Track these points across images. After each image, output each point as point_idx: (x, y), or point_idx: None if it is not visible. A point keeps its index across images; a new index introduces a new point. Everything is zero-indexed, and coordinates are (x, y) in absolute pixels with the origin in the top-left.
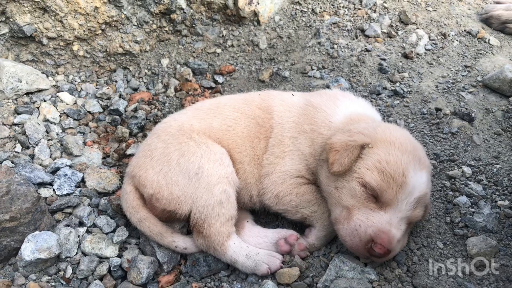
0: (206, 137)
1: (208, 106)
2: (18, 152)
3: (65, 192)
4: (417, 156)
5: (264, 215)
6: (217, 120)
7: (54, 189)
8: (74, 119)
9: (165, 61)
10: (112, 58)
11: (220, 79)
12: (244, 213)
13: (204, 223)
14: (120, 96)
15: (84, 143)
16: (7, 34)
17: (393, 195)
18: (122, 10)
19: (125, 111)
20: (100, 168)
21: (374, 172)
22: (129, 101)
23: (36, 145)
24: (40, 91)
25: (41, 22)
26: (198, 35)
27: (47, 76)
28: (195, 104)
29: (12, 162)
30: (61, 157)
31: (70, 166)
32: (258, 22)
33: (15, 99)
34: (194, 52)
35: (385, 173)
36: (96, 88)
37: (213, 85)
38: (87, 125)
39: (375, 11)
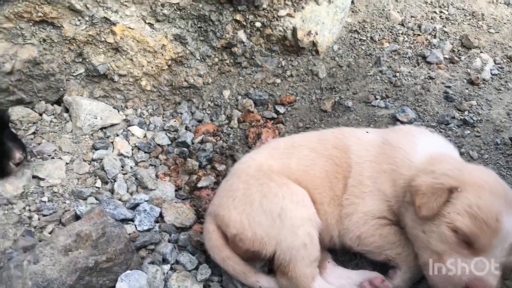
0: (286, 177)
1: (284, 145)
2: (98, 187)
3: (145, 228)
4: (509, 199)
5: (342, 253)
6: (294, 160)
7: (135, 225)
8: (145, 152)
9: (226, 93)
10: (177, 92)
11: (281, 109)
12: (324, 253)
13: (289, 265)
14: (186, 128)
15: (157, 176)
16: (83, 74)
17: (487, 241)
18: (187, 46)
19: (192, 143)
20: (176, 202)
21: (466, 217)
22: (195, 133)
23: (114, 180)
24: (112, 125)
25: (113, 61)
26: (257, 66)
27: (118, 111)
28: (270, 143)
29: (96, 199)
30: (137, 191)
31: (148, 201)
32: (317, 51)
33: (91, 134)
34: (254, 83)
35: (478, 218)
36: (163, 121)
37: (275, 115)
38: (157, 157)
39: (435, 37)
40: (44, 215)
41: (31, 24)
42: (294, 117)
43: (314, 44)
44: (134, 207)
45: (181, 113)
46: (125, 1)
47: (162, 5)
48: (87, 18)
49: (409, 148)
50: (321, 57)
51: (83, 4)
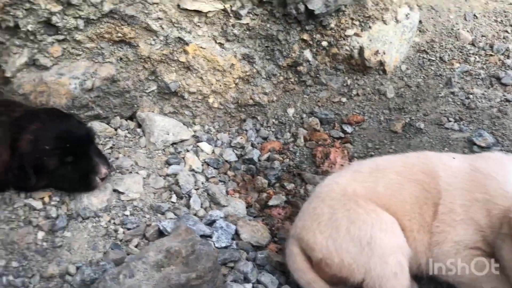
0: (372, 202)
1: (367, 169)
2: (174, 202)
3: (223, 245)
4: None
5: (427, 281)
6: (381, 185)
7: (213, 242)
8: (214, 168)
9: (291, 111)
10: (243, 109)
11: (348, 129)
12: (411, 281)
13: None
14: (252, 145)
15: (227, 192)
16: (155, 91)
17: None
18: (254, 65)
19: (259, 160)
20: (250, 220)
21: None
22: (261, 150)
23: (189, 195)
24: (182, 141)
25: (184, 79)
26: (322, 85)
27: (187, 127)
28: (351, 165)
29: (175, 214)
30: (210, 207)
31: (224, 218)
32: (384, 71)
33: (163, 149)
34: (319, 101)
35: None
36: (229, 137)
37: (342, 135)
38: (225, 173)
39: (508, 57)
40: (128, 229)
41: (110, 43)
42: (363, 137)
43: (381, 63)
44: (211, 223)
45: (246, 130)
46: (198, 22)
47: (233, 25)
48: (161, 38)
49: (501, 177)
50: (389, 77)
51: (159, 25)
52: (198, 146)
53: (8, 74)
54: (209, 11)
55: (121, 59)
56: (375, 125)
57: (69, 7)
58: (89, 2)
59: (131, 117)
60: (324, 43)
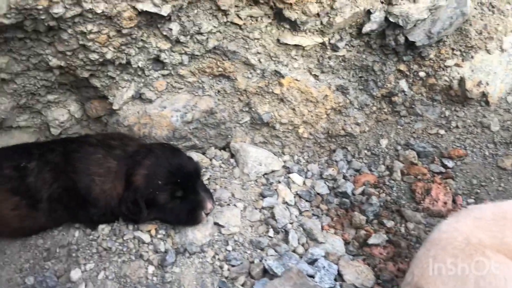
0: (501, 255)
1: (492, 215)
2: (271, 237)
3: (326, 286)
4: None
5: None
6: (509, 235)
7: (316, 282)
8: (306, 201)
9: (384, 142)
10: (333, 139)
11: (449, 163)
12: None
13: None
14: (344, 177)
15: (322, 228)
16: (248, 121)
17: None
18: (347, 96)
19: (353, 194)
20: (352, 260)
21: None
22: (355, 183)
23: (284, 229)
24: (273, 171)
25: (276, 110)
26: (417, 115)
27: (278, 157)
28: (469, 210)
29: (275, 251)
30: (306, 242)
31: (325, 257)
32: (487, 103)
33: (256, 180)
34: (414, 132)
35: None
36: (319, 168)
37: (443, 169)
38: (318, 207)
39: None
40: (232, 266)
41: (210, 77)
42: (466, 173)
43: (483, 94)
44: (312, 262)
45: (336, 161)
46: (295, 55)
47: (329, 57)
48: (258, 71)
49: None
50: (492, 109)
51: (257, 59)
52: (289, 177)
53: (115, 107)
54: (308, 45)
55: (218, 92)
56: (479, 160)
57: (177, 44)
58: (195, 39)
59: (224, 147)
60: (422, 74)
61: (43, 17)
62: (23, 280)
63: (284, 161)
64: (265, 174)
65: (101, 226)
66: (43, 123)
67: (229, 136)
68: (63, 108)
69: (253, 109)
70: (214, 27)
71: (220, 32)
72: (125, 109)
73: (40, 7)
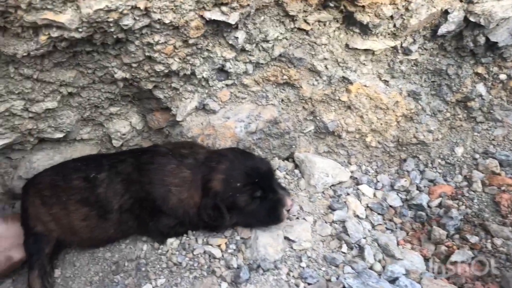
0: None
1: None
2: (344, 253)
3: None
4: None
5: None
6: None
7: None
8: (379, 214)
9: (459, 150)
10: (403, 148)
11: None
12: None
13: None
14: (418, 188)
15: (397, 243)
16: (312, 131)
17: None
18: (419, 102)
19: (429, 206)
20: (434, 278)
21: None
22: (430, 194)
23: (358, 245)
24: (340, 183)
25: (343, 118)
26: (496, 121)
27: (344, 168)
28: None
29: (352, 268)
30: (383, 259)
31: (405, 275)
32: None
33: (323, 192)
34: (493, 139)
35: None
36: (390, 179)
37: None
38: (391, 220)
39: None
40: (309, 284)
41: (274, 86)
42: None
43: None
44: (393, 280)
45: (408, 171)
46: (364, 60)
47: (401, 62)
48: (324, 78)
49: None
50: None
51: (323, 65)
52: (358, 189)
53: (179, 118)
54: (378, 49)
55: (282, 100)
56: None
57: (242, 53)
58: (261, 47)
59: (288, 158)
60: (502, 76)
61: (112, 29)
62: None
63: (352, 172)
64: (332, 185)
65: (169, 240)
66: (105, 135)
67: (293, 146)
68: (124, 120)
69: (318, 118)
70: (281, 33)
71: (287, 39)
72: (188, 120)
73: (110, 19)
